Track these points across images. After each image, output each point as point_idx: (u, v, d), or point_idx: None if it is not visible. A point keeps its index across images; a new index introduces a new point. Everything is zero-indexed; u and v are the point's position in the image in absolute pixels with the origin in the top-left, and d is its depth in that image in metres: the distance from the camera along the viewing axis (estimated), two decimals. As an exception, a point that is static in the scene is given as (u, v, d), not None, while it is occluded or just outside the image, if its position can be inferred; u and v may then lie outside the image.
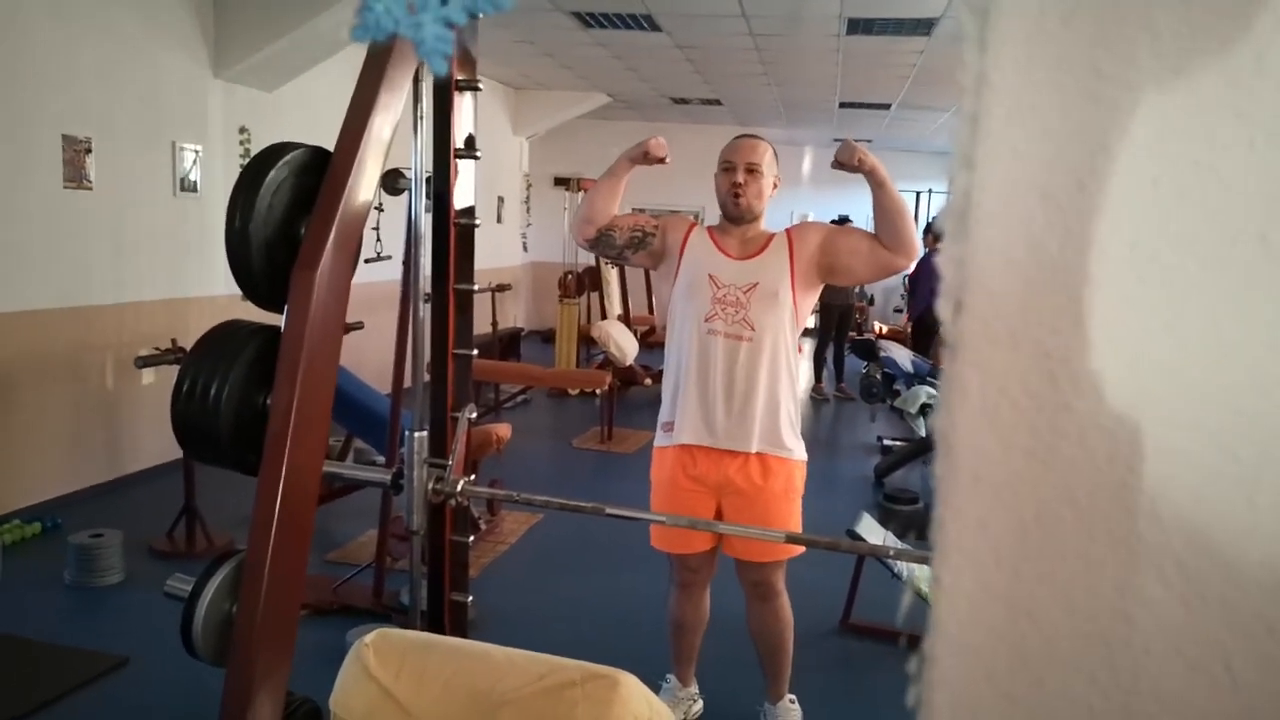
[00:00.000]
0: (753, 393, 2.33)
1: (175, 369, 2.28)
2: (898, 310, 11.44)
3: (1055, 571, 0.32)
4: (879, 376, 6.25)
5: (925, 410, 5.40)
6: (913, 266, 8.67)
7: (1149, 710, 0.31)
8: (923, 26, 6.17)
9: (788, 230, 2.43)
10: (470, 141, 2.22)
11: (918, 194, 11.31)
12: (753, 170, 2.37)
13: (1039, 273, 0.32)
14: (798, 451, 2.42)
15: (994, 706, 0.33)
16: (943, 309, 0.33)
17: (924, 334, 8.12)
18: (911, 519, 4.62)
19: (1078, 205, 0.31)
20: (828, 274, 2.40)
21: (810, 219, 11.98)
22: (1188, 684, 0.31)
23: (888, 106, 9.44)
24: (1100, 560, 0.32)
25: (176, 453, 4.37)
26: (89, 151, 4.48)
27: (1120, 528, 0.32)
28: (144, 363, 3.83)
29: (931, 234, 8.45)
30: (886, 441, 6.35)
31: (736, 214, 2.38)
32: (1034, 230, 0.32)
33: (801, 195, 12.25)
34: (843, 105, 9.54)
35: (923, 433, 5.42)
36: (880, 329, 9.22)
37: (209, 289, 5.20)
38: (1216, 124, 0.29)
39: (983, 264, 0.32)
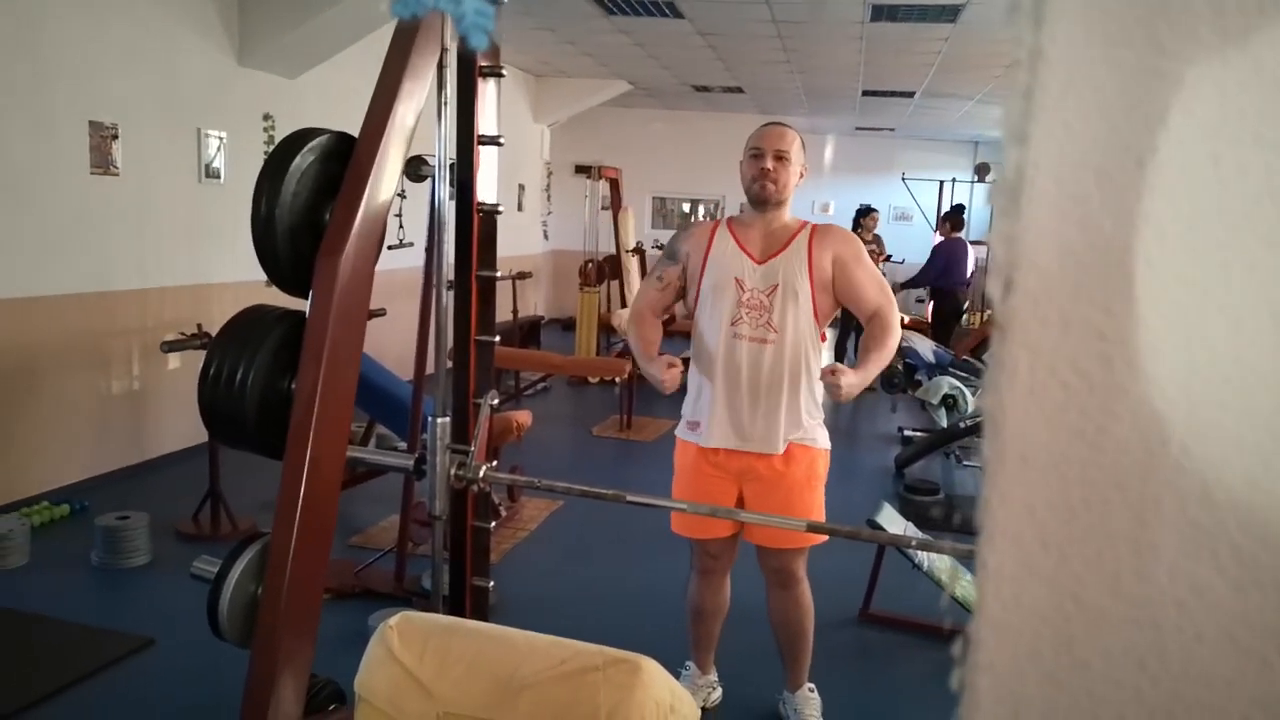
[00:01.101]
0: (777, 394, 2.35)
1: (200, 354, 2.30)
2: (920, 301, 11.36)
3: (1103, 556, 0.32)
4: (900, 367, 6.22)
5: (947, 401, 5.36)
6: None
7: (1200, 696, 0.31)
8: (948, 13, 6.10)
9: (812, 229, 2.39)
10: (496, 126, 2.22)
11: (940, 183, 11.20)
12: (781, 157, 2.35)
13: (1092, 251, 0.31)
14: (821, 440, 2.42)
15: (1038, 690, 0.33)
16: (992, 288, 0.32)
17: (941, 320, 8.09)
18: (932, 510, 4.59)
19: (1134, 182, 0.30)
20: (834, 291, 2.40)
21: (832, 209, 11.92)
22: (1240, 670, 0.31)
23: (911, 94, 9.35)
24: (1151, 545, 0.31)
25: (201, 437, 4.41)
26: (115, 137, 4.52)
27: (1172, 512, 0.31)
28: (169, 347, 3.87)
29: (949, 223, 8.41)
30: (908, 432, 6.32)
31: (762, 198, 2.37)
32: (1088, 208, 0.31)
33: (823, 184, 12.17)
34: (865, 93, 9.47)
35: (944, 423, 5.39)
36: (902, 319, 9.14)
37: (233, 275, 5.24)
38: (1279, 98, 0.29)
39: (1034, 242, 0.31)
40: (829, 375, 2.21)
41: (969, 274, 8.24)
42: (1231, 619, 0.31)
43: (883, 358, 2.35)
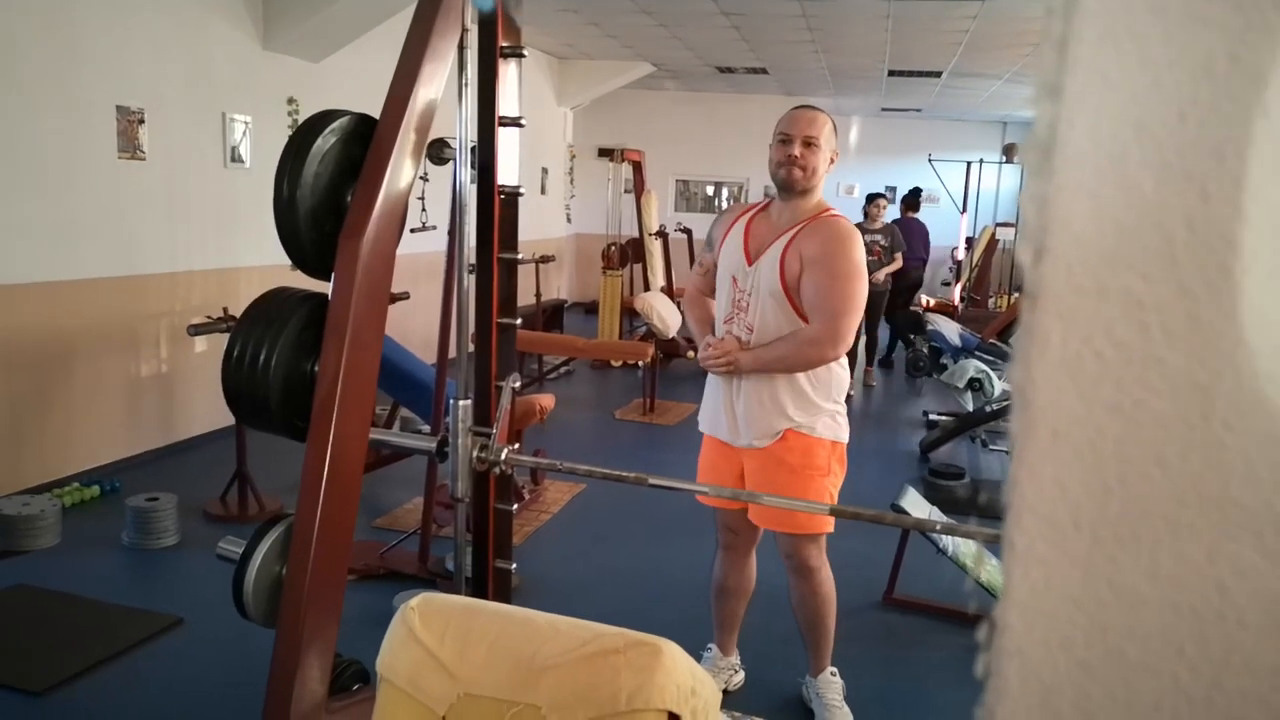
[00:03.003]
0: (753, 392, 2.37)
1: (227, 337, 2.31)
2: (945, 284, 11.23)
3: (1140, 536, 0.30)
4: (926, 350, 6.16)
5: (973, 384, 5.31)
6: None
7: (1243, 685, 0.29)
8: (977, -10, 5.99)
9: (805, 223, 2.33)
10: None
11: (968, 164, 11.05)
12: (810, 143, 2.31)
13: (1131, 213, 0.29)
14: (820, 430, 2.35)
15: (1069, 677, 0.31)
16: (1022, 254, 0.31)
17: (897, 294, 8.02)
18: (957, 494, 4.55)
19: (1177, 139, 0.28)
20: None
21: (856, 191, 11.80)
22: (1286, 658, 0.29)
23: (938, 74, 9.21)
24: (1190, 525, 0.30)
25: (228, 419, 4.45)
26: (142, 122, 4.55)
27: (1214, 490, 0.29)
28: (196, 331, 3.90)
29: (904, 204, 8.58)
30: (933, 416, 6.26)
31: (788, 184, 2.33)
32: (1127, 167, 0.29)
33: (848, 166, 12.04)
34: (891, 73, 9.34)
35: (970, 407, 5.34)
36: (927, 303, 9.08)
37: (259, 258, 5.28)
38: (1336, 46, 0.27)
39: (1068, 204, 0.29)
40: (713, 339, 2.39)
41: (924, 251, 8.64)
42: (1276, 603, 0.29)
43: (780, 356, 2.29)
